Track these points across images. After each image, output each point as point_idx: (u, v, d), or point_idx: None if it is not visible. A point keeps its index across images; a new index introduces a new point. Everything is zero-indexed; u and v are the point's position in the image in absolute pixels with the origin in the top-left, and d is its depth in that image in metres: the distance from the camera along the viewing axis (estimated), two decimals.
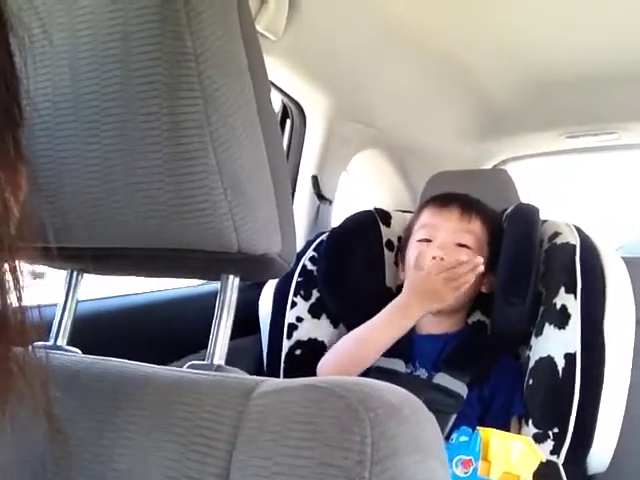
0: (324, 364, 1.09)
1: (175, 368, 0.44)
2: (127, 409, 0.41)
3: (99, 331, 0.91)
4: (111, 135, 0.39)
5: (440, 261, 1.04)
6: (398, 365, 1.05)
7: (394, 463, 0.32)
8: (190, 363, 0.47)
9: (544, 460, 0.85)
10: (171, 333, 1.11)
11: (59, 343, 0.56)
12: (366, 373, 1.05)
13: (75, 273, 0.57)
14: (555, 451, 0.94)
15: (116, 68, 0.37)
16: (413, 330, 1.10)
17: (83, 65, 0.39)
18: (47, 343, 0.55)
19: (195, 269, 0.53)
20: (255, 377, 0.41)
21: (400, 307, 1.04)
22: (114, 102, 0.38)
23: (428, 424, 0.36)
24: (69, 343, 0.57)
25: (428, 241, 1.10)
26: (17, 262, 0.24)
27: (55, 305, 0.57)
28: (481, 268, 1.01)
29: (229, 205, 0.38)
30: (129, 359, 0.48)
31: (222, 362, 0.48)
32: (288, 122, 1.47)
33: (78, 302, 0.57)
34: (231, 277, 0.49)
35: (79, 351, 0.56)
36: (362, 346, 1.06)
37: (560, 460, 0.93)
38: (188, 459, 0.36)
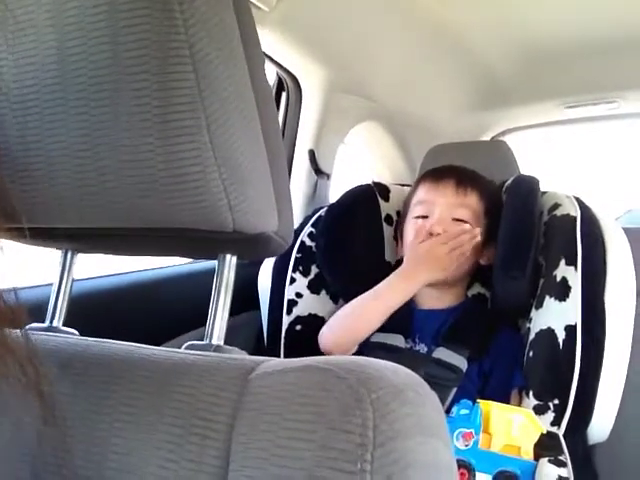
0: (325, 333, 1.09)
1: (173, 349, 0.44)
2: (124, 391, 0.40)
3: (96, 310, 0.91)
4: (100, 112, 0.37)
5: (443, 233, 1.04)
6: (398, 340, 1.05)
7: (396, 446, 0.31)
8: (188, 343, 0.47)
9: (545, 431, 0.86)
10: (169, 310, 1.11)
11: (55, 324, 0.55)
12: (366, 348, 1.06)
13: (69, 253, 0.56)
14: (556, 422, 0.94)
15: (103, 42, 0.36)
16: (413, 305, 1.11)
17: (69, 40, 0.37)
18: (42, 325, 0.55)
19: (192, 248, 0.52)
20: (254, 357, 0.40)
21: (405, 274, 1.05)
22: (102, 78, 0.37)
23: (431, 404, 0.35)
24: (65, 324, 0.56)
25: (425, 217, 1.09)
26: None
27: (50, 285, 0.56)
28: (478, 238, 1.03)
29: (223, 183, 0.37)
30: (127, 338, 0.47)
31: (221, 342, 0.47)
32: (284, 95, 1.45)
33: (74, 281, 0.57)
34: (228, 256, 0.48)
35: (76, 332, 0.55)
36: (362, 315, 1.06)
37: (561, 431, 0.94)
38: (187, 442, 0.36)
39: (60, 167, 0.40)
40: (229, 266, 0.48)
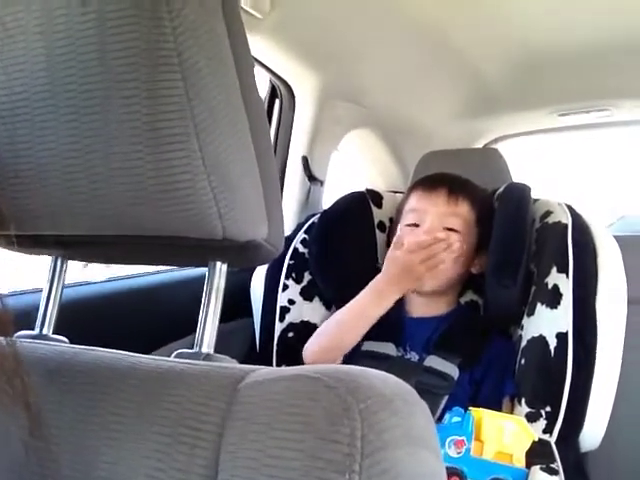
0: (308, 348, 1.09)
1: (162, 357, 0.43)
2: (113, 400, 0.40)
3: (87, 317, 0.90)
4: (90, 119, 0.37)
5: (416, 240, 1.04)
6: (389, 348, 1.05)
7: (385, 456, 0.31)
8: (178, 352, 0.46)
9: (536, 439, 0.86)
10: (160, 317, 1.10)
11: (45, 332, 0.55)
12: (356, 357, 1.05)
13: (59, 260, 0.56)
14: (547, 430, 0.94)
15: (92, 50, 0.36)
16: (404, 313, 1.11)
17: (58, 47, 0.37)
18: (32, 332, 0.55)
19: (182, 256, 0.52)
20: (244, 366, 0.40)
21: (376, 288, 1.04)
22: (92, 85, 0.37)
23: (420, 414, 0.35)
24: (55, 331, 0.56)
25: (416, 225, 1.09)
26: None
27: (40, 291, 0.56)
28: (456, 246, 1.02)
29: (213, 191, 0.37)
30: (118, 344, 0.47)
31: (211, 350, 0.47)
32: (277, 102, 1.45)
33: (64, 288, 0.56)
34: (219, 263, 0.48)
35: (66, 340, 0.55)
36: (342, 329, 1.06)
37: (553, 439, 0.94)
38: (176, 451, 0.36)
39: (50, 174, 0.40)
40: (219, 273, 0.48)
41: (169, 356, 0.46)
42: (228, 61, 0.38)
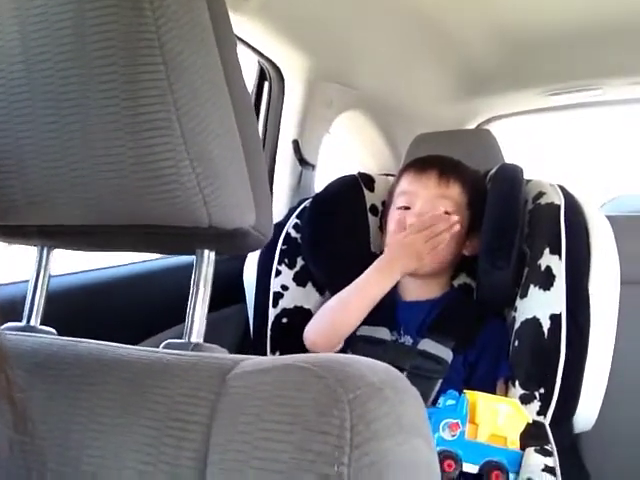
0: (310, 330, 1.08)
1: (150, 348, 0.43)
2: (100, 392, 0.39)
3: (76, 307, 0.89)
4: (68, 106, 0.36)
5: (420, 220, 1.04)
6: (383, 333, 1.04)
7: (374, 447, 0.30)
8: (166, 342, 0.46)
9: (530, 421, 0.86)
10: (150, 307, 1.09)
11: (32, 323, 0.54)
12: (351, 342, 1.05)
13: (45, 249, 0.55)
14: (542, 412, 0.94)
15: (70, 34, 0.35)
16: (398, 297, 1.10)
17: (34, 31, 0.36)
18: (19, 324, 0.54)
19: (169, 244, 0.51)
20: (234, 356, 0.40)
21: (380, 268, 1.04)
22: (70, 71, 0.35)
23: (411, 402, 0.35)
24: (43, 322, 0.55)
25: (407, 208, 1.09)
26: None
27: (26, 282, 0.55)
28: (457, 227, 1.02)
29: (197, 178, 0.36)
30: (107, 335, 0.47)
31: (200, 339, 0.46)
32: (266, 85, 1.43)
33: (50, 278, 0.56)
34: (206, 252, 0.47)
35: (54, 331, 0.54)
36: (344, 309, 1.06)
37: (547, 420, 0.94)
38: (163, 444, 0.35)
39: (29, 163, 0.39)
40: (207, 262, 0.47)
41: (158, 346, 0.45)
42: (210, 43, 0.37)
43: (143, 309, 1.07)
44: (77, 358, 0.43)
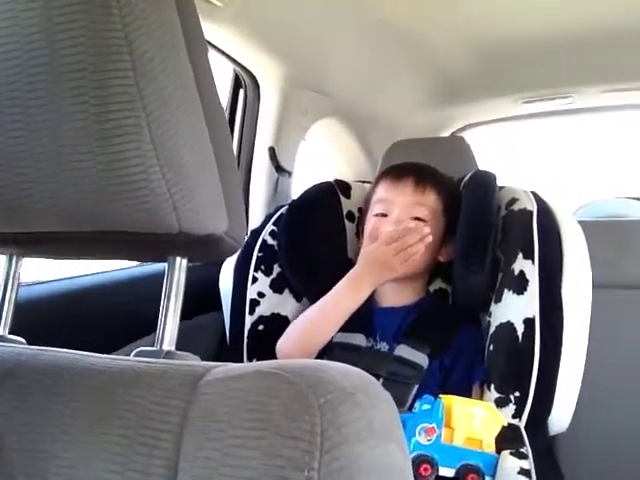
0: (282, 344, 1.08)
1: (121, 357, 0.42)
2: (69, 402, 0.39)
3: (46, 317, 0.88)
4: (37, 112, 0.36)
5: (389, 231, 1.04)
6: (359, 339, 1.05)
7: (345, 451, 0.30)
8: (138, 350, 0.45)
9: (506, 424, 0.87)
10: (122, 315, 1.08)
11: (0, 333, 0.53)
12: (327, 349, 1.05)
13: (14, 258, 0.54)
14: (517, 415, 0.95)
15: (39, 39, 0.34)
16: (373, 303, 1.10)
17: (1, 37, 0.35)
18: None
19: (141, 251, 0.51)
20: (205, 363, 0.39)
21: (353, 279, 1.05)
22: (38, 77, 0.35)
23: (384, 407, 0.35)
24: (12, 332, 0.54)
25: (384, 215, 1.09)
26: None
27: None
28: (429, 238, 1.01)
29: (167, 184, 0.36)
30: (79, 344, 0.46)
31: (172, 347, 0.46)
32: (241, 92, 1.43)
33: (19, 287, 0.55)
34: (178, 258, 0.46)
35: (23, 340, 0.53)
36: (319, 321, 1.06)
37: (522, 423, 0.95)
38: (135, 452, 0.35)
39: None
40: (179, 268, 0.46)
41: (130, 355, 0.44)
42: (180, 49, 0.37)
43: (117, 318, 1.06)
44: (46, 367, 0.42)
